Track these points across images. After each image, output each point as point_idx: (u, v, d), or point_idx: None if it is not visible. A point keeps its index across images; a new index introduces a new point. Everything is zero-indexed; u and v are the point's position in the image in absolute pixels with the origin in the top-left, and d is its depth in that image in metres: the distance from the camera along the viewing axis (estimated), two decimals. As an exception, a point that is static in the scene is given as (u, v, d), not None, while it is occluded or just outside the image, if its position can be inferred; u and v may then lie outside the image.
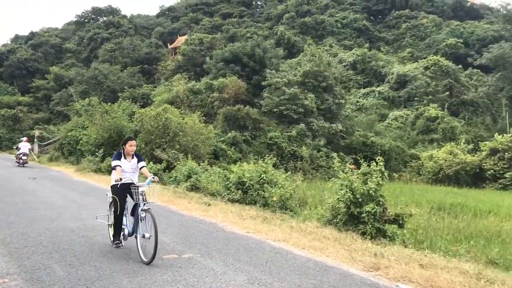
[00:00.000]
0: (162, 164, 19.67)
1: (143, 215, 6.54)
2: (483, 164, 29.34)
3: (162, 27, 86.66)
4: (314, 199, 14.93)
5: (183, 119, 25.56)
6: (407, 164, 34.95)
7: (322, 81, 36.32)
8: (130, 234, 6.88)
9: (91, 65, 61.48)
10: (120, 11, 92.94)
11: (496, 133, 32.16)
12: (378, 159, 9.25)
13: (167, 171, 19.57)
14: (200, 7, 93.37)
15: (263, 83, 37.42)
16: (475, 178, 29.74)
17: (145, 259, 6.27)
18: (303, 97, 34.78)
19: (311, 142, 32.98)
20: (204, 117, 31.09)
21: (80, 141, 28.47)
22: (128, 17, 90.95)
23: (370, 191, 8.66)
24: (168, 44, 74.43)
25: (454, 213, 14.65)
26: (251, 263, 6.39)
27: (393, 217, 8.95)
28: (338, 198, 9.18)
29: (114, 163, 7.04)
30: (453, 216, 13.94)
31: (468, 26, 68.78)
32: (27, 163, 28.50)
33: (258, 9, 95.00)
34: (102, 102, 29.42)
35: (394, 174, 31.15)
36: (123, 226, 6.97)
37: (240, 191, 13.06)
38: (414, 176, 32.34)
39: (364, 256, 6.81)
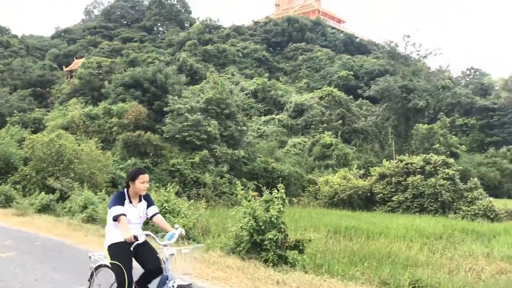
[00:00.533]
0: (55, 194, 18.44)
1: None
2: (373, 188, 31.45)
3: (57, 49, 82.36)
4: (217, 227, 14.88)
5: (78, 145, 24.31)
6: (305, 189, 36.38)
7: (225, 108, 36.83)
8: None
9: (-27, 87, 56.34)
10: (10, 30, 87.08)
11: (384, 159, 34.92)
12: (279, 186, 9.53)
13: (60, 201, 18.35)
14: (99, 30, 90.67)
15: (165, 109, 36.96)
16: (366, 201, 31.75)
17: None
18: (206, 123, 34.91)
19: (214, 169, 33.05)
20: (102, 144, 29.82)
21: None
22: (19, 37, 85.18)
23: (272, 219, 8.87)
24: (64, 67, 70.83)
25: (349, 236, 15.46)
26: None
27: (294, 243, 9.23)
28: (241, 226, 9.26)
29: (116, 210, 4.76)
30: (348, 239, 14.70)
31: (357, 60, 74.63)
32: None
33: (159, 35, 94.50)
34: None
35: (293, 198, 32.25)
36: None
37: (141, 222, 12.63)
38: (312, 200, 33.72)
39: (267, 284, 6.92)
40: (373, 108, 56.51)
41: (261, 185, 29.97)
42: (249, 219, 9.02)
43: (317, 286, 6.83)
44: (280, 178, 34.14)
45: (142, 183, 4.92)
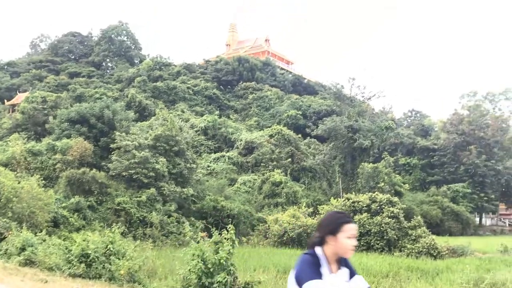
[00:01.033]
0: (-11, 236, 17.28)
1: None
2: (322, 227, 31.70)
3: (-1, 82, 79.38)
4: (164, 268, 14.44)
5: (19, 183, 23.12)
6: (255, 228, 36.12)
7: (174, 145, 36.42)
8: None
9: None
10: None
11: (332, 198, 35.49)
12: (229, 227, 9.42)
13: (-5, 243, 17.20)
14: (45, 64, 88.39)
15: (112, 145, 36.06)
16: (315, 239, 31.87)
17: None
18: (154, 161, 34.29)
19: (161, 207, 32.26)
20: (44, 181, 28.50)
21: None
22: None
23: (222, 260, 8.72)
24: (6, 101, 68.09)
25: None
26: None
27: (244, 286, 9.07)
28: (189, 269, 9.02)
29: (311, 285, 3.09)
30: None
31: (306, 100, 76.72)
32: None
33: (108, 71, 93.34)
34: None
35: (243, 238, 31.90)
36: None
37: (83, 265, 12.02)
38: (261, 239, 33.46)
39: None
40: (321, 147, 57.79)
41: (210, 225, 29.55)
42: (198, 261, 8.81)
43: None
44: (229, 217, 33.87)
45: (350, 237, 3.37)
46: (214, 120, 60.27)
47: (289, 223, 32.39)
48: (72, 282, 10.99)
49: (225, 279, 8.54)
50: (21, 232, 16.16)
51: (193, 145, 49.81)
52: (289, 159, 53.27)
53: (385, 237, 28.40)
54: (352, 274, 3.41)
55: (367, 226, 29.14)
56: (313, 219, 33.23)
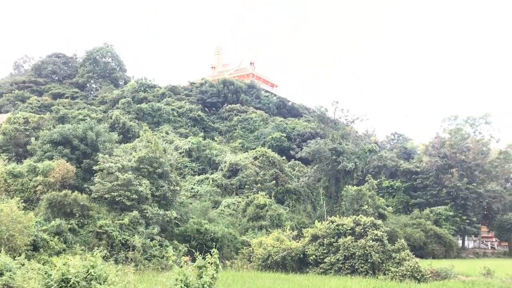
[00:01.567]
0: (-34, 260, 16.73)
1: None
2: (306, 250, 31.57)
3: (-20, 103, 78.36)
4: (146, 293, 14.18)
5: (-3, 206, 22.65)
6: (239, 251, 35.80)
7: (158, 167, 36.16)
8: None
9: None
10: None
11: (316, 220, 35.42)
12: (213, 251, 9.34)
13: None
14: (28, 85, 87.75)
15: (94, 167, 35.66)
16: (299, 263, 31.71)
17: None
18: (138, 183, 33.95)
19: (144, 231, 31.77)
20: (24, 204, 27.93)
21: None
22: None
23: (205, 285, 8.62)
24: (-14, 121, 67.03)
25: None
26: None
27: (227, 311, 8.96)
28: (172, 295, 8.89)
29: None
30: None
31: (290, 122, 77.32)
32: None
33: (92, 92, 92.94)
34: None
35: (227, 261, 31.58)
36: None
37: (63, 290, 11.76)
38: (245, 263, 33.15)
39: None
40: (305, 169, 57.96)
41: (193, 248, 29.23)
42: (181, 286, 8.69)
43: None
44: (213, 240, 33.53)
45: None
46: (199, 142, 60.18)
47: (273, 246, 32.23)
48: (51, 308, 10.72)
49: (209, 305, 8.44)
50: (-1, 257, 15.76)
51: (177, 167, 49.49)
52: (274, 181, 53.26)
53: (369, 260, 28.40)
54: None
55: (352, 249, 29.16)
56: (298, 242, 33.14)
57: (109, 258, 23.34)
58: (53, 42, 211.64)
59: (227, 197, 50.40)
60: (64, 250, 26.40)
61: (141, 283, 15.75)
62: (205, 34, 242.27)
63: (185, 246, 31.71)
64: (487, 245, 76.12)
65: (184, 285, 8.73)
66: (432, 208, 60.80)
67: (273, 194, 50.42)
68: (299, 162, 60.96)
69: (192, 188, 50.75)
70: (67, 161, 36.77)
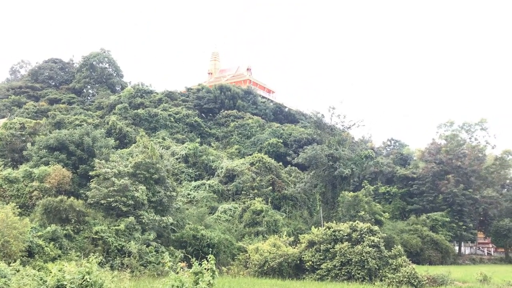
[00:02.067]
0: (-40, 266, 16.62)
1: None
2: (303, 256, 31.46)
3: (-24, 108, 78.14)
4: (142, 300, 14.11)
5: (-8, 211, 22.54)
6: (235, 257, 35.68)
7: (154, 173, 36.08)
8: None
9: None
10: None
11: (313, 226, 35.35)
12: (209, 257, 9.32)
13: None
14: (25, 90, 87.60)
15: (91, 173, 35.57)
16: (296, 269, 31.60)
17: None
18: (134, 188, 33.86)
19: (140, 236, 31.65)
20: (19, 209, 27.85)
21: None
22: None
23: (201, 292, 8.58)
24: (-18, 126, 66.82)
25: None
26: None
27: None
28: (168, 301, 8.85)
29: None
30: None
31: (286, 128, 77.40)
32: None
33: (89, 97, 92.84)
34: None
35: (223, 268, 31.44)
36: None
37: (58, 297, 11.69)
38: (242, 269, 33.02)
39: None
40: (302, 175, 57.98)
41: (189, 254, 29.15)
42: (177, 293, 8.66)
43: None
44: (209, 246, 33.44)
45: None
46: (195, 148, 60.11)
47: (270, 252, 32.13)
48: (46, 315, 10.66)
49: (205, 311, 8.40)
50: (-7, 263, 15.69)
51: (174, 173, 49.41)
52: (270, 187, 53.22)
53: (366, 267, 28.33)
54: None
55: (348, 256, 29.09)
56: (294, 248, 33.06)
57: (105, 264, 23.15)
58: (50, 47, 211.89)
59: (223, 203, 50.29)
60: (59, 256, 26.24)
61: (137, 290, 15.70)
62: (205, 34, 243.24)
63: (182, 252, 31.58)
64: (483, 251, 76.24)
65: (181, 292, 8.69)
66: (428, 214, 60.87)
67: (269, 200, 50.36)
68: (296, 168, 60.99)
69: (189, 194, 50.61)
70: (63, 167, 36.69)
